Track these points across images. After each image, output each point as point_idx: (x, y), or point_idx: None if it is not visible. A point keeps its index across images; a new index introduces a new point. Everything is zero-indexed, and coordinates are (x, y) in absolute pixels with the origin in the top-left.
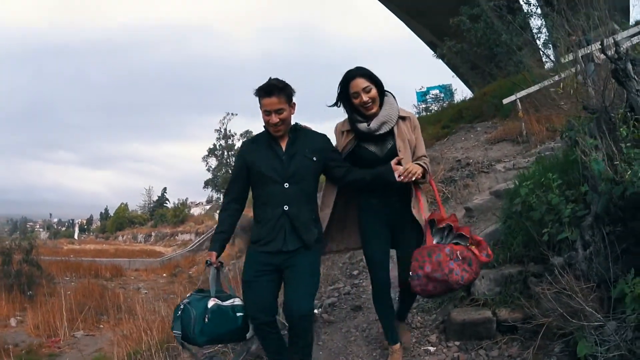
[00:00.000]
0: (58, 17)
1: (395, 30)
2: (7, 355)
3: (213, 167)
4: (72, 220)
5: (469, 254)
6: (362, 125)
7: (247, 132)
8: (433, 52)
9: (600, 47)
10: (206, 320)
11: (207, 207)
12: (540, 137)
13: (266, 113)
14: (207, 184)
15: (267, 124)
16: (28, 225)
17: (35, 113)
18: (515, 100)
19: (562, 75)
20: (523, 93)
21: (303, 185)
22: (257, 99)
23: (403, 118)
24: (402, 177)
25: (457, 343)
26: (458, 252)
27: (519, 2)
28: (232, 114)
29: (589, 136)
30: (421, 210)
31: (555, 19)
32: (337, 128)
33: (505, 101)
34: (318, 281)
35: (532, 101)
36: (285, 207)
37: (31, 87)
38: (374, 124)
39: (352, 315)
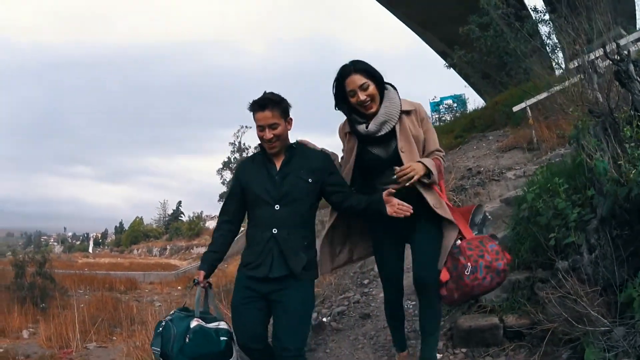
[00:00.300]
0: (76, 32)
1: (407, 41)
2: None
3: (228, 180)
4: (87, 234)
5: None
6: (361, 128)
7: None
8: (444, 62)
9: (603, 51)
10: (187, 340)
11: None
12: (551, 143)
13: (260, 128)
14: (222, 197)
15: (261, 140)
16: (42, 239)
17: (52, 127)
18: (525, 107)
19: (567, 82)
20: (532, 100)
21: (296, 208)
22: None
23: (407, 112)
24: (400, 183)
25: (464, 350)
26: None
27: (527, 10)
28: (246, 126)
29: (594, 139)
30: (446, 208)
31: (562, 25)
32: (340, 130)
33: (515, 109)
34: (309, 320)
35: (541, 108)
36: (274, 230)
37: (49, 101)
38: (372, 126)
39: (360, 323)
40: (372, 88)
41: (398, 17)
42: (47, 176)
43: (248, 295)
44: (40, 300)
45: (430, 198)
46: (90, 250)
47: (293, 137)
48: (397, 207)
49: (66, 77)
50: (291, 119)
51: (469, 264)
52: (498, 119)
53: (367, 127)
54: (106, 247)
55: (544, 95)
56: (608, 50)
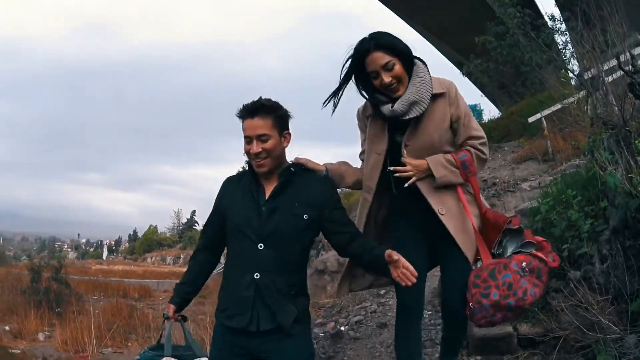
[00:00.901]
0: (93, 43)
1: (422, 52)
2: None
3: None
4: (101, 241)
5: (537, 262)
6: (385, 108)
7: None
8: (460, 71)
9: (617, 62)
10: None
11: None
12: (566, 154)
13: (247, 140)
14: None
15: (247, 156)
16: (56, 245)
17: (68, 135)
18: (541, 118)
19: (580, 94)
20: (547, 111)
21: (284, 250)
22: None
23: (438, 95)
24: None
25: (479, 358)
26: (525, 264)
27: (543, 19)
28: None
29: (608, 151)
30: (469, 217)
31: (577, 38)
32: (359, 114)
33: (530, 120)
34: None
35: (557, 119)
36: (256, 275)
37: (66, 109)
38: (399, 105)
39: (377, 332)
40: (398, 67)
41: (414, 28)
42: (61, 183)
43: (225, 349)
44: (56, 305)
45: (434, 202)
46: (104, 257)
47: (293, 153)
48: (401, 271)
49: (83, 86)
50: (289, 134)
51: (471, 304)
52: (513, 129)
53: (392, 107)
54: (120, 255)
55: (558, 106)
56: (622, 61)
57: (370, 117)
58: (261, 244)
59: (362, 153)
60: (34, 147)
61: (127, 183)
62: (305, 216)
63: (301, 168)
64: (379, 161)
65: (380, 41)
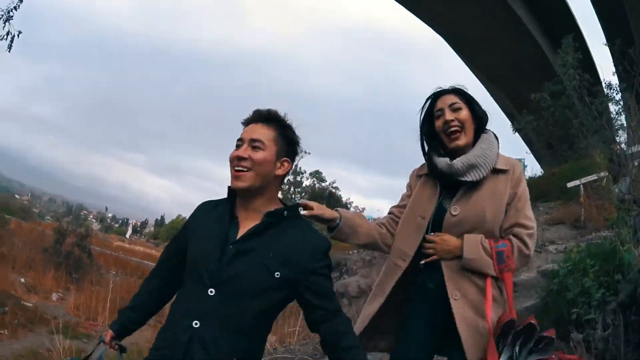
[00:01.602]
0: (157, 25)
1: (477, 97)
2: (46, 325)
3: None
4: (127, 219)
5: None
6: (442, 161)
7: (317, 172)
8: (511, 125)
9: None
10: None
11: None
12: (597, 225)
13: (237, 144)
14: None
15: (230, 164)
16: (82, 213)
17: (118, 112)
18: (579, 185)
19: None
20: (587, 179)
21: (239, 304)
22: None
23: (501, 171)
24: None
25: None
26: None
27: (600, 85)
28: (306, 151)
29: (632, 229)
30: (486, 311)
31: (629, 108)
32: (414, 173)
33: (569, 184)
34: None
35: (595, 188)
36: (195, 323)
37: (119, 87)
38: (459, 162)
39: None
40: (464, 113)
41: (472, 70)
42: (101, 155)
43: None
44: (74, 270)
45: (452, 285)
46: (127, 235)
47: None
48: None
49: (141, 67)
50: (288, 163)
51: None
52: (552, 190)
53: (450, 162)
54: (143, 237)
55: (595, 177)
56: None
57: (423, 177)
58: (212, 290)
59: (395, 207)
60: (83, 116)
61: (166, 170)
62: (278, 274)
63: (297, 214)
64: (422, 226)
65: (457, 88)
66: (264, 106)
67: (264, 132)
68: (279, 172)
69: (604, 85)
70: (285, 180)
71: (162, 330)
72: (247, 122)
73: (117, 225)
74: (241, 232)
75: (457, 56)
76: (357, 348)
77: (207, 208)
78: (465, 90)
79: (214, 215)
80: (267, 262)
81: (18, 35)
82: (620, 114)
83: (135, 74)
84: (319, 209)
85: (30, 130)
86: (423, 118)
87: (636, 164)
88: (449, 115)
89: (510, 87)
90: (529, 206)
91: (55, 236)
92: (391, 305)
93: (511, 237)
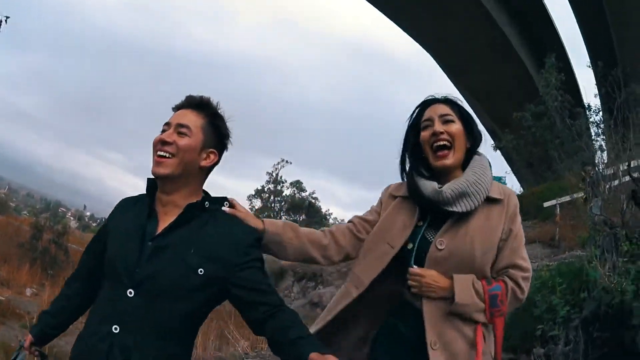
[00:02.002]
0: (146, 23)
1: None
2: (19, 319)
3: (256, 207)
4: (104, 218)
5: None
6: (428, 185)
7: (298, 182)
8: (492, 142)
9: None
10: None
11: None
12: (571, 244)
13: (163, 128)
14: None
15: (153, 148)
16: (60, 210)
17: (99, 109)
18: (556, 204)
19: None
20: (563, 199)
21: (162, 305)
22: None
23: (494, 200)
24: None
25: None
26: None
27: (583, 107)
28: (287, 161)
29: (600, 249)
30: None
31: (607, 131)
32: (388, 190)
33: (546, 204)
34: None
35: (571, 208)
36: (115, 328)
37: (103, 83)
38: (448, 190)
39: None
40: (456, 127)
41: (457, 87)
42: (82, 153)
43: None
44: (50, 267)
45: (432, 331)
46: None
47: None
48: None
49: (127, 65)
50: (214, 155)
51: None
52: (530, 210)
53: (439, 187)
54: None
55: (571, 196)
56: (632, 167)
57: (399, 198)
58: (131, 290)
59: (359, 218)
60: (65, 111)
61: (142, 169)
62: (201, 270)
63: (221, 205)
64: (387, 255)
65: (452, 99)
66: (247, 116)
67: (192, 119)
68: (204, 163)
69: (585, 106)
70: (266, 189)
71: (79, 338)
72: (177, 108)
73: (94, 225)
74: (161, 227)
75: (441, 71)
76: (308, 337)
77: (126, 205)
78: (460, 103)
79: (133, 211)
80: (189, 258)
81: (6, 21)
82: (600, 136)
83: (121, 71)
84: (245, 214)
85: (9, 122)
86: (408, 129)
87: (608, 185)
88: (438, 127)
89: (493, 104)
90: (524, 246)
91: (32, 231)
92: (343, 335)
93: (506, 278)
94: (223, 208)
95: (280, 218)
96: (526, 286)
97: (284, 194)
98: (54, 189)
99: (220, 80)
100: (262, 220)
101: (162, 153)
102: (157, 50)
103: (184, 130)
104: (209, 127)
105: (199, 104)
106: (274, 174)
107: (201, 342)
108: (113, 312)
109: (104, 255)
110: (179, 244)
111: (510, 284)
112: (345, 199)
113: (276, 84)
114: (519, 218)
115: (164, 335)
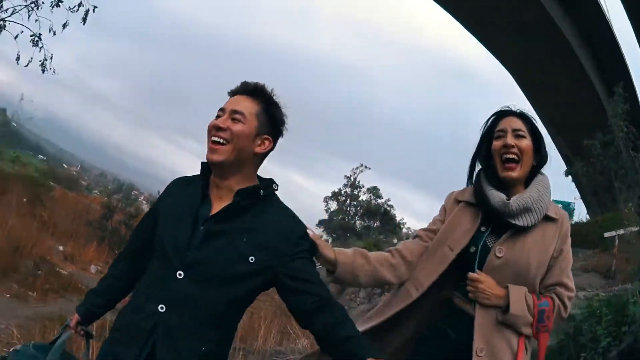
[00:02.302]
0: (224, 18)
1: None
2: (79, 293)
3: (331, 209)
4: None
5: None
6: (496, 195)
7: (375, 188)
8: (566, 167)
9: None
10: None
11: None
12: (625, 277)
13: (218, 114)
14: (321, 223)
15: (208, 134)
16: (133, 193)
17: (175, 97)
18: (615, 236)
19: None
20: (620, 231)
21: (210, 289)
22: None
23: (551, 219)
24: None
25: None
26: None
27: None
28: (366, 166)
29: None
30: None
31: None
32: (452, 196)
33: (606, 235)
34: None
35: (631, 240)
36: (161, 308)
37: (178, 72)
38: (515, 203)
39: None
40: (526, 143)
41: (538, 114)
42: (157, 138)
43: None
44: (117, 247)
45: (480, 338)
46: None
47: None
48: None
49: (203, 56)
50: (269, 141)
51: None
52: (592, 238)
53: (507, 200)
54: None
55: (627, 230)
56: None
57: (463, 203)
58: (181, 272)
59: (424, 230)
60: (141, 96)
61: None
62: (252, 258)
63: (274, 193)
64: (447, 258)
65: (526, 115)
66: (330, 119)
67: (247, 105)
68: (259, 149)
69: None
70: (343, 192)
71: (124, 312)
72: (232, 93)
73: None
74: (214, 211)
75: (522, 94)
76: (358, 337)
77: (178, 186)
78: (534, 120)
79: (186, 193)
80: (241, 246)
81: (94, 10)
82: None
83: (196, 62)
84: (319, 243)
85: (87, 104)
86: (482, 136)
87: None
88: (510, 140)
89: (567, 130)
90: (570, 267)
91: (102, 211)
92: (393, 334)
93: (553, 295)
94: (272, 187)
95: (355, 222)
96: (570, 305)
97: (360, 198)
98: (127, 171)
99: (293, 78)
100: (334, 250)
101: (216, 139)
102: (234, 44)
103: (238, 116)
104: (263, 113)
105: (254, 90)
106: (352, 178)
107: (263, 335)
108: (160, 292)
109: (154, 235)
110: (232, 231)
111: (557, 301)
112: (420, 210)
113: (353, 88)
114: (569, 239)
115: (209, 319)
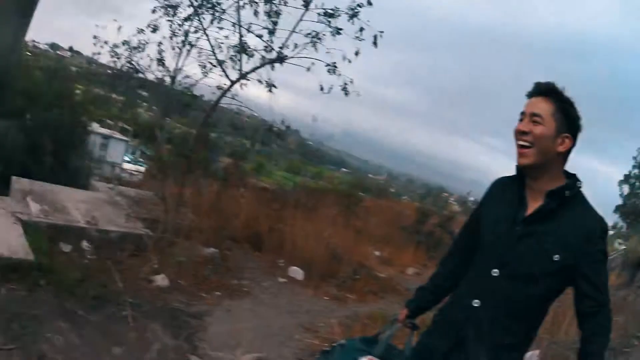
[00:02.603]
0: (496, 12)
1: None
2: (398, 295)
3: (625, 194)
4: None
5: None
6: None
7: None
8: None
9: None
10: None
11: (611, 232)
12: None
13: (520, 117)
14: (617, 209)
15: (515, 138)
16: (443, 195)
17: (472, 98)
18: None
19: None
20: None
21: (518, 286)
22: None
23: None
24: None
25: None
26: None
27: None
28: None
29: None
30: None
31: None
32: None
33: None
34: None
35: None
36: (475, 302)
37: (467, 73)
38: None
39: None
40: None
41: None
42: (459, 139)
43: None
44: (433, 249)
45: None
46: None
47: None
48: None
49: (486, 54)
50: (568, 139)
51: None
52: None
53: None
54: None
55: None
56: None
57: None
58: (496, 270)
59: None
60: (434, 100)
61: None
62: (556, 257)
63: (579, 191)
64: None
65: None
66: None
67: (543, 107)
68: (561, 148)
69: None
70: (632, 174)
71: (443, 307)
72: (529, 95)
73: None
74: (527, 213)
75: None
76: (598, 356)
77: (499, 186)
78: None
79: (505, 196)
80: (547, 245)
81: (381, 35)
82: None
83: (481, 60)
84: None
85: (383, 115)
86: None
87: None
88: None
89: None
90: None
91: (417, 216)
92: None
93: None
94: (578, 184)
95: None
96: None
97: None
98: (435, 175)
99: (578, 64)
100: None
101: (521, 143)
102: (510, 36)
103: (537, 119)
104: (559, 113)
105: (546, 91)
106: (638, 159)
107: (566, 326)
108: (476, 288)
109: (478, 234)
110: (541, 231)
111: None
112: None
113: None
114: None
115: (515, 315)
